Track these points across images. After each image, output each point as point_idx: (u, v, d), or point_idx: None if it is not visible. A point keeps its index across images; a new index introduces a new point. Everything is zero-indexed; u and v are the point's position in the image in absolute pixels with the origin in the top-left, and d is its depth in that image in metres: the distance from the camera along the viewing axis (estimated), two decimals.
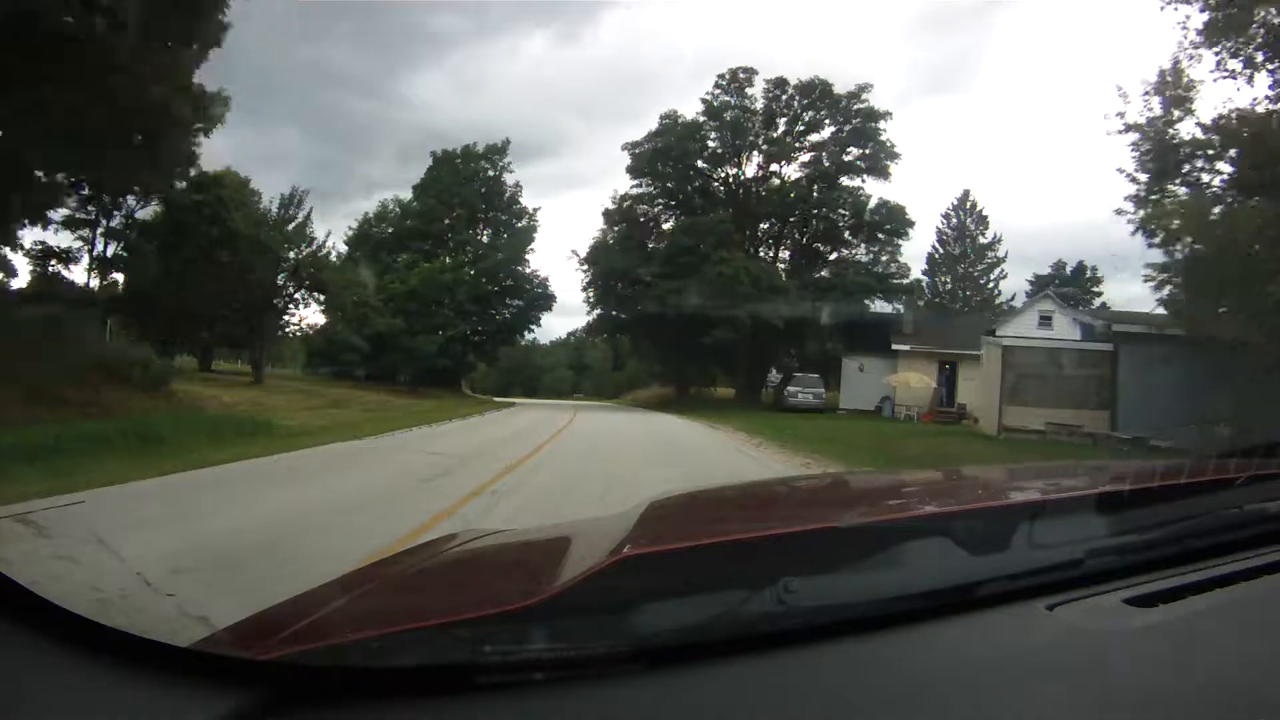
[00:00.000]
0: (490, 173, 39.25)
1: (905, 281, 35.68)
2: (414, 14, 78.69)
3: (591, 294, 37.98)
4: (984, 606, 0.83)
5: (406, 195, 39.58)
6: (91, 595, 3.42)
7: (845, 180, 35.64)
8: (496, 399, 40.06)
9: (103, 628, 0.73)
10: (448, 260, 36.20)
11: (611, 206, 38.10)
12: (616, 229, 37.92)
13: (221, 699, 0.67)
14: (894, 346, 28.71)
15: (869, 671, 0.73)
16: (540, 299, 38.70)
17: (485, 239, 38.89)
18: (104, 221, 23.50)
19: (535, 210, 39.50)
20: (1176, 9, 12.14)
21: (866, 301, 32.57)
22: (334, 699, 0.68)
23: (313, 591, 1.06)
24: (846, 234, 35.98)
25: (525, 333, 41.04)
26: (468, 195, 38.00)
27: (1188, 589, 0.89)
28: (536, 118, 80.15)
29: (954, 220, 48.39)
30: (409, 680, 0.69)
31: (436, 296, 34.19)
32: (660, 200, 37.85)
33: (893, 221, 34.78)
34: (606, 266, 36.44)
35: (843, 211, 35.50)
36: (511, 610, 0.75)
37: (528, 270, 38.38)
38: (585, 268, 37.70)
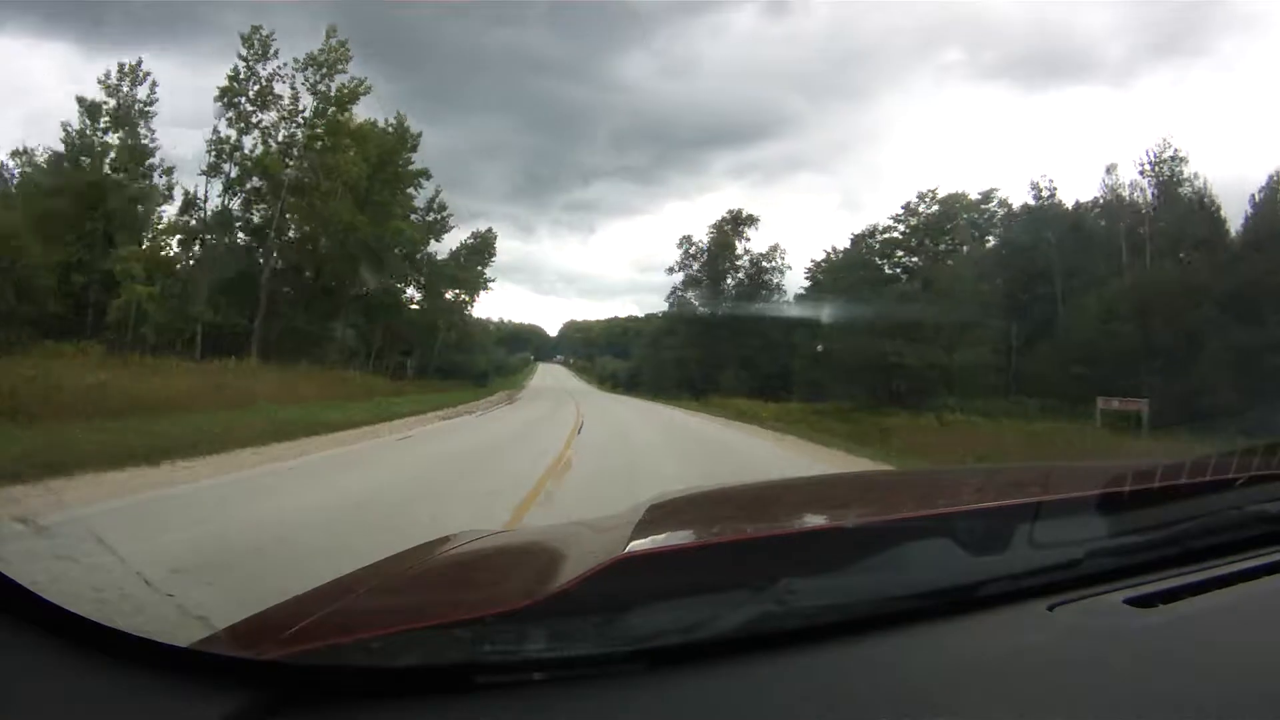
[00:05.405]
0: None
1: None
2: None
3: None
4: (984, 606, 0.83)
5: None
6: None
7: None
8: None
9: (103, 628, 0.73)
10: None
11: None
12: None
13: (223, 699, 0.66)
14: None
15: (869, 671, 0.73)
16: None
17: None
18: None
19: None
20: None
21: None
22: (334, 699, 0.68)
23: (313, 591, 1.06)
24: None
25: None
26: None
27: (1188, 589, 0.89)
28: (751, 96, 71.35)
29: None
30: (409, 680, 0.69)
31: None
32: None
33: None
34: None
35: None
36: (511, 610, 0.75)
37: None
38: None
